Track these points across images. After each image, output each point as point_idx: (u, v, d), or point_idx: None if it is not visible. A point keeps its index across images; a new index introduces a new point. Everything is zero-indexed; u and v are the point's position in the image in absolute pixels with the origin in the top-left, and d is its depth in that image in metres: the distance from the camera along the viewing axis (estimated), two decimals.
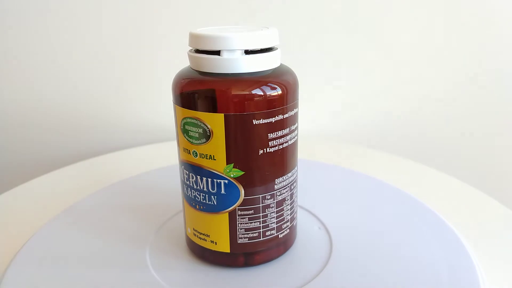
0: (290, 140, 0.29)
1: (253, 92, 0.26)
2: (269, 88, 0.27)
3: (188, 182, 0.29)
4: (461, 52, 0.55)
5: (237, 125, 0.26)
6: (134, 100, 0.57)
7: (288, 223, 0.31)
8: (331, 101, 0.58)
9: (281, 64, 0.29)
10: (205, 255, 0.31)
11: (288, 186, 0.30)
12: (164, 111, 0.57)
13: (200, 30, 0.27)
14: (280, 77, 0.28)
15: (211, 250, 0.30)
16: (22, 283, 0.29)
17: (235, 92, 0.26)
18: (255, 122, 0.26)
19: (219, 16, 0.53)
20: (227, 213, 0.28)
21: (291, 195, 0.30)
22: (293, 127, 0.29)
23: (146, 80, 0.56)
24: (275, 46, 0.29)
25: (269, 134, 0.27)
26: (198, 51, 0.28)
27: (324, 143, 0.56)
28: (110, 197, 0.40)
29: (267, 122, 0.27)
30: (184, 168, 0.29)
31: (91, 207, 0.38)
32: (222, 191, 0.28)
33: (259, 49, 0.27)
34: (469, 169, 0.60)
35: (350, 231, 0.34)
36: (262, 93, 0.26)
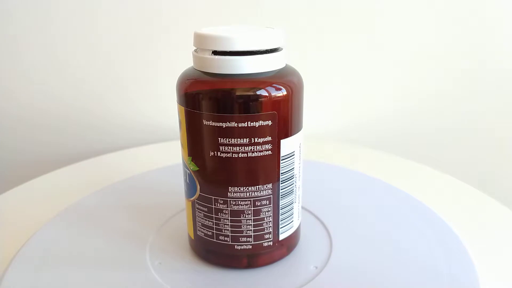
0: (252, 152, 0.27)
1: (202, 91, 0.27)
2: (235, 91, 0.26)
3: None
4: (462, 51, 0.55)
5: (192, 122, 0.27)
6: (135, 100, 0.57)
7: (250, 240, 0.29)
8: (331, 101, 0.58)
9: (286, 65, 0.28)
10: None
11: (250, 201, 0.28)
12: (165, 111, 0.57)
13: (197, 29, 0.28)
14: (281, 79, 0.27)
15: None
16: (22, 284, 0.29)
17: (189, 89, 0.27)
18: (205, 122, 0.26)
19: (233, 17, 0.53)
20: (191, 202, 0.30)
21: (257, 211, 0.28)
22: (258, 140, 0.26)
23: (147, 80, 0.56)
24: (270, 48, 0.27)
25: (219, 139, 0.26)
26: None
27: (325, 143, 0.56)
28: (110, 197, 0.40)
29: (217, 126, 0.26)
30: None
31: (91, 207, 0.38)
32: (187, 180, 0.30)
33: (228, 51, 0.26)
34: (469, 169, 0.60)
35: (350, 231, 0.34)
36: (212, 95, 0.26)
